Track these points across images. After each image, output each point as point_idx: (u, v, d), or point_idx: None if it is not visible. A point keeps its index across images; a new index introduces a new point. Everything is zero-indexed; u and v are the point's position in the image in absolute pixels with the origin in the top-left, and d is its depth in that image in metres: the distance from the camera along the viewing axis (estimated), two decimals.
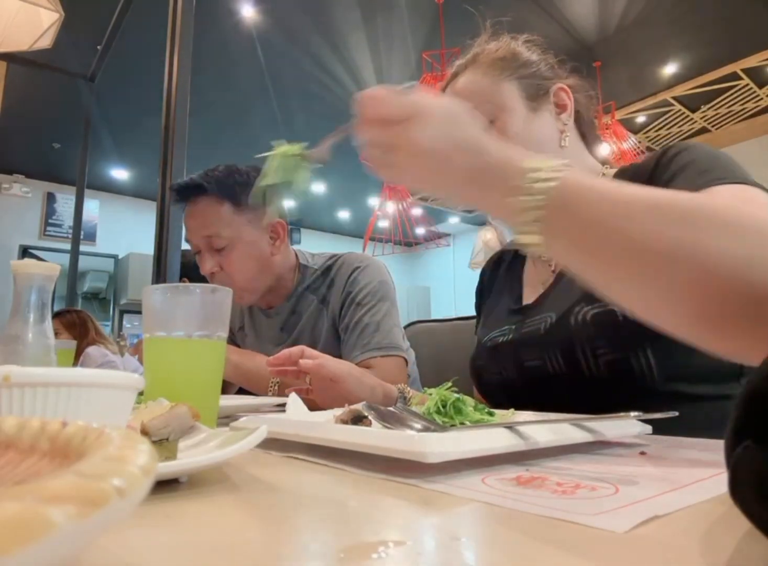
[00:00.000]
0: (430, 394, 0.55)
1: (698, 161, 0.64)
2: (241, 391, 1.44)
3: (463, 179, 0.48)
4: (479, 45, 0.86)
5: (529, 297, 0.84)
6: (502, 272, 0.98)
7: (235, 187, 1.13)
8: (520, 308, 0.83)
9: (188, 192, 1.12)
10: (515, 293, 0.88)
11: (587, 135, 0.86)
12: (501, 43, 0.85)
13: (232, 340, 1.40)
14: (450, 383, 0.56)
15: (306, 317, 1.22)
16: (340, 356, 1.01)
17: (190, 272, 2.16)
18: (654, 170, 0.69)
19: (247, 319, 1.35)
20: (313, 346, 0.99)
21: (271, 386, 1.02)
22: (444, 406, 0.52)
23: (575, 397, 0.64)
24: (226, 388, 1.37)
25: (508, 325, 0.82)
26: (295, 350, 0.84)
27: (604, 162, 0.86)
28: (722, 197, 0.54)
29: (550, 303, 0.76)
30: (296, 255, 1.28)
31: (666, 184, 0.64)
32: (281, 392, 0.99)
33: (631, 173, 0.75)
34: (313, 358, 0.83)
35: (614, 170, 0.82)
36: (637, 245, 0.40)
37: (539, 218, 0.43)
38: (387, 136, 0.49)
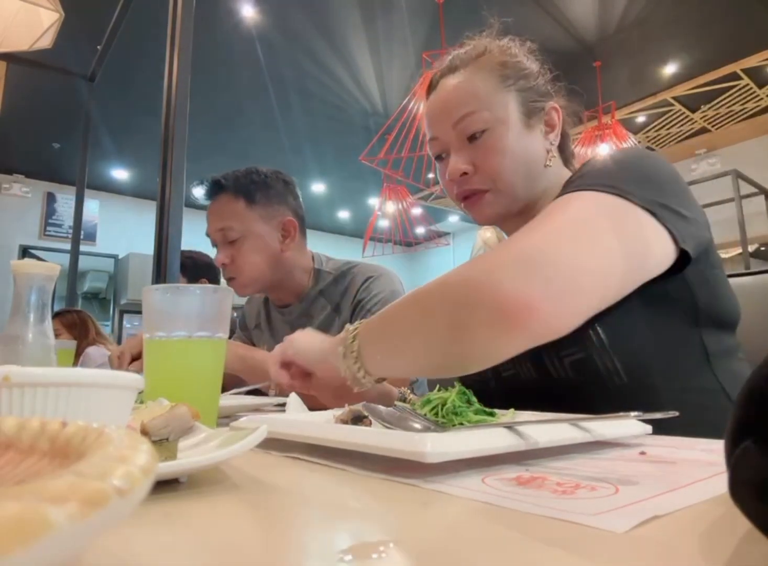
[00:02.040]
0: (429, 400, 0.55)
1: (596, 168, 0.67)
2: (256, 390, 1.46)
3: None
4: (484, 43, 0.82)
5: None
6: None
7: (250, 185, 1.22)
8: None
9: (209, 190, 1.23)
10: None
11: (565, 150, 0.85)
12: (506, 47, 0.82)
13: (249, 338, 1.43)
14: (458, 387, 0.56)
15: (317, 322, 1.24)
16: None
17: (208, 273, 2.18)
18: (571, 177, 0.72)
19: (263, 316, 1.39)
20: None
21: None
22: (442, 407, 0.52)
23: (549, 402, 0.63)
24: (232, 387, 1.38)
25: None
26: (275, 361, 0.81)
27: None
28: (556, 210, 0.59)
29: None
30: (313, 258, 1.32)
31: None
32: (283, 389, 1.00)
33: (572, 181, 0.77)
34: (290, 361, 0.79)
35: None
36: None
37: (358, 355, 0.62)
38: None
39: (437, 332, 0.55)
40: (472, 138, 0.77)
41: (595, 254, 0.53)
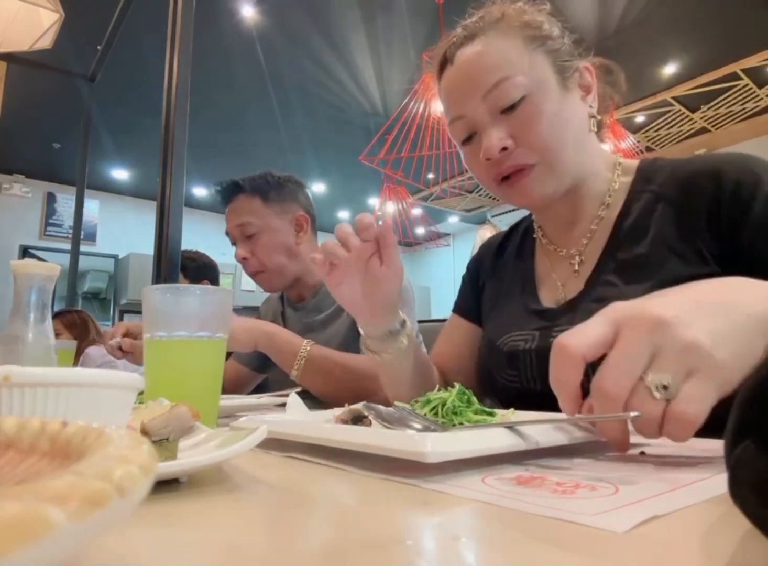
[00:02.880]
0: (429, 400, 0.54)
1: None
2: (256, 390, 1.49)
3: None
4: (498, 8, 0.74)
5: (547, 297, 0.77)
6: (508, 260, 0.89)
7: (264, 185, 1.33)
8: (542, 311, 0.76)
9: (228, 191, 1.35)
10: (530, 290, 0.80)
11: (601, 125, 0.78)
12: (523, 9, 0.74)
13: None
14: (458, 387, 0.55)
15: (324, 316, 1.30)
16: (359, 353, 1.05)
17: (209, 273, 2.19)
18: (719, 198, 0.63)
19: (279, 313, 1.46)
20: (329, 344, 1.10)
21: (297, 362, 1.05)
22: (442, 407, 0.52)
23: None
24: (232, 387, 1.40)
25: (529, 329, 0.74)
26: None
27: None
28: None
29: (584, 313, 0.66)
30: None
31: (743, 225, 0.61)
32: (306, 370, 1.03)
33: (667, 183, 0.69)
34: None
35: (629, 162, 0.77)
36: None
37: None
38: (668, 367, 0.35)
39: None
40: (507, 109, 0.69)
41: None
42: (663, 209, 0.69)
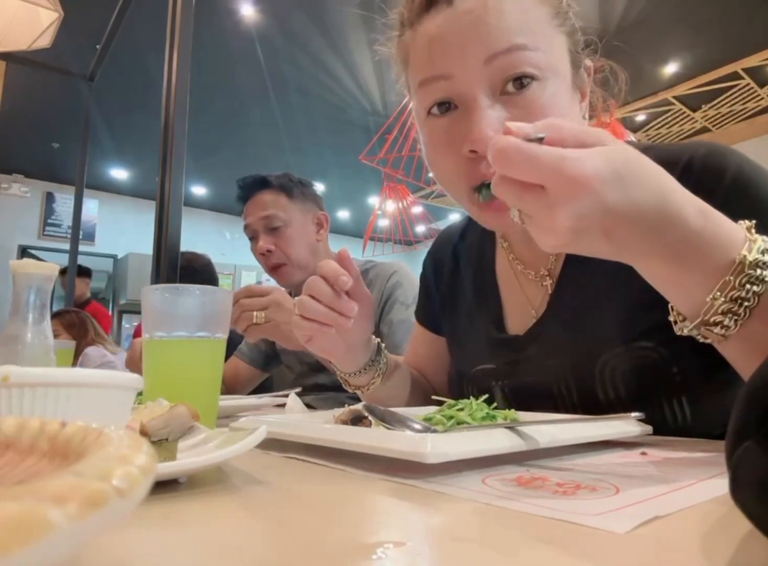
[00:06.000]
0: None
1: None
2: (256, 391, 1.49)
3: (663, 254, 0.38)
4: None
5: (515, 322, 0.69)
6: (465, 273, 0.79)
7: (288, 183, 1.41)
8: (507, 339, 0.68)
9: (253, 185, 1.40)
10: (493, 312, 0.71)
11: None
12: None
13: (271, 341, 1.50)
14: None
15: None
16: None
17: (211, 276, 2.18)
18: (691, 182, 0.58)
19: None
20: None
21: None
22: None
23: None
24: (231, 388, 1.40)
25: (495, 362, 0.68)
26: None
27: None
28: None
29: (551, 339, 0.63)
30: None
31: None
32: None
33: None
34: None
35: None
36: None
37: (740, 320, 0.39)
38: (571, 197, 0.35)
39: None
40: (510, 86, 0.53)
41: None
42: None
